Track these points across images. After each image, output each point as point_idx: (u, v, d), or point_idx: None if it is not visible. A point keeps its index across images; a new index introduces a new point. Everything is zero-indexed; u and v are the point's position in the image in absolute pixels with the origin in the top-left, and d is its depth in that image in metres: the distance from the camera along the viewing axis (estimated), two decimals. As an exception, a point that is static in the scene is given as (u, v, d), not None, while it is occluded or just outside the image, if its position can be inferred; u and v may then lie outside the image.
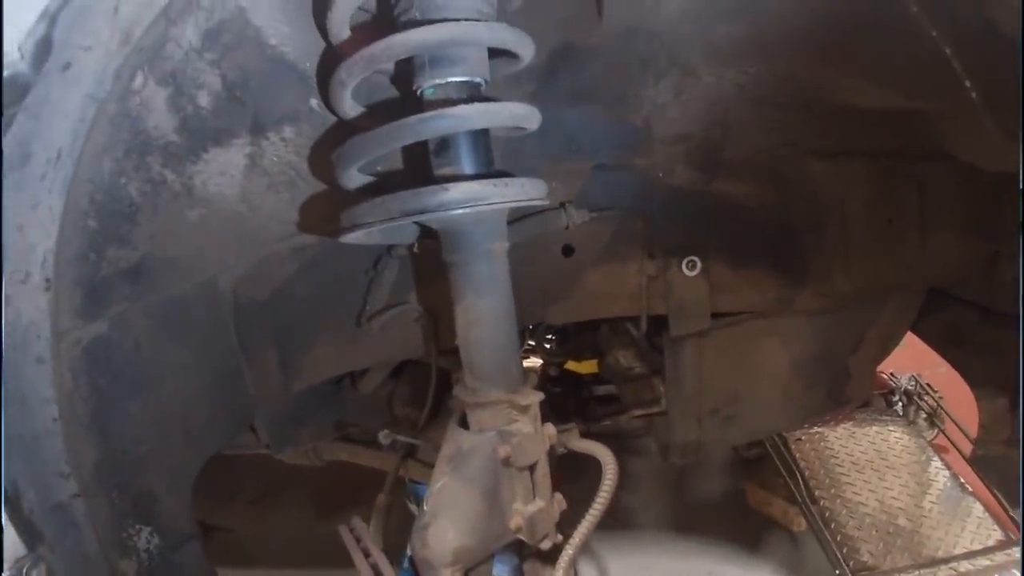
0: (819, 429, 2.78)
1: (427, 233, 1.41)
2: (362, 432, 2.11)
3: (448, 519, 1.31)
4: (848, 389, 2.08)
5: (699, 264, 1.71)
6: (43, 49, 0.97)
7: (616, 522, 2.55)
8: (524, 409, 1.31)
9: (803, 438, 2.74)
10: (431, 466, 2.01)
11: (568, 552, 1.25)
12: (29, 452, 1.08)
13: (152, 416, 1.28)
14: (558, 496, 1.41)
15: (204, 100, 1.19)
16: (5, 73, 0.92)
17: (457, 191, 1.15)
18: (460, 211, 1.16)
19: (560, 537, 1.41)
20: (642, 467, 3.02)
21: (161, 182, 1.22)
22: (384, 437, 1.80)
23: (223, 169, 1.29)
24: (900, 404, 3.02)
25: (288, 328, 1.65)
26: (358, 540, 1.31)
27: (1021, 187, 1.15)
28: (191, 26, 1.10)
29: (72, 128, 1.03)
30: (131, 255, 1.21)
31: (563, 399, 2.56)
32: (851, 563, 2.23)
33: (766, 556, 2.59)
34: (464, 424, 1.38)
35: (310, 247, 1.56)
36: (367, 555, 1.28)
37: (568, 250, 1.69)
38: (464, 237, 1.28)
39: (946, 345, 2.12)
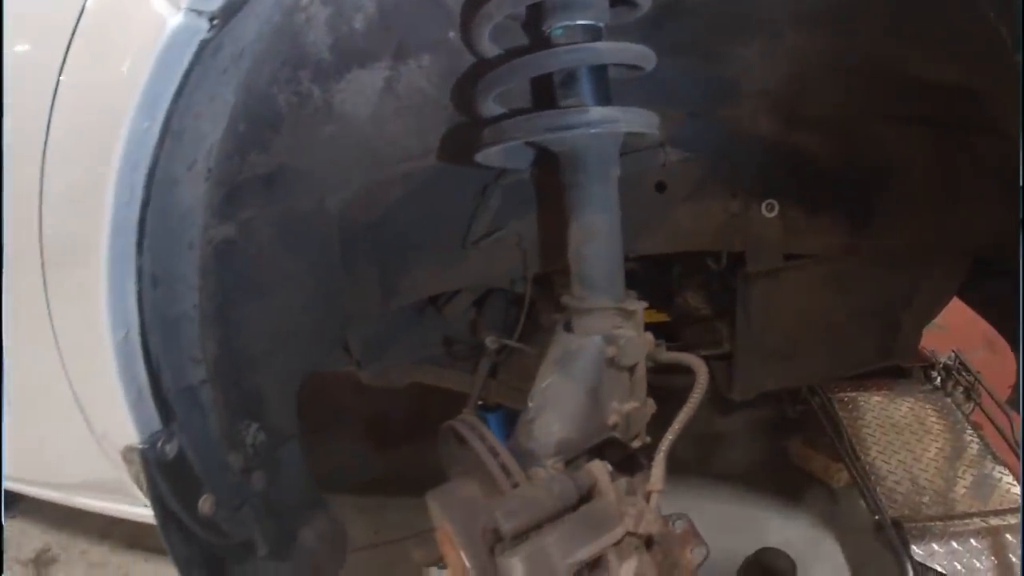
0: (860, 393, 2.91)
1: (538, 160, 1.57)
2: (445, 358, 2.25)
3: (554, 413, 1.46)
4: (897, 344, 2.21)
5: (777, 207, 1.85)
6: None
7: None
8: (630, 314, 1.47)
9: (845, 399, 2.87)
10: (514, 388, 2.18)
11: (667, 439, 1.39)
12: (170, 334, 1.14)
13: (267, 320, 1.37)
14: (650, 400, 1.56)
15: (359, 23, 1.29)
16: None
17: (595, 113, 1.31)
18: (594, 130, 1.31)
19: (649, 439, 1.56)
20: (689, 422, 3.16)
21: (307, 96, 1.32)
22: (491, 342, 1.92)
23: (361, 89, 1.40)
24: (939, 378, 3.13)
25: (390, 250, 1.74)
26: (473, 428, 1.44)
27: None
28: None
29: (257, 30, 1.10)
30: (268, 163, 1.30)
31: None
32: (889, 512, 2.36)
33: (806, 508, 2.73)
34: (570, 331, 1.53)
35: (420, 174, 1.66)
36: (484, 440, 1.41)
37: (661, 186, 1.84)
38: (585, 160, 1.41)
39: (987, 309, 2.25)
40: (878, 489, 2.47)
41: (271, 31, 1.14)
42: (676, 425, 1.38)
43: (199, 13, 0.97)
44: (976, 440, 2.76)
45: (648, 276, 2.27)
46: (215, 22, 0.98)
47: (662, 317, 2.44)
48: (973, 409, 3.00)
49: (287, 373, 1.47)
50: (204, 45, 0.99)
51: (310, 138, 1.38)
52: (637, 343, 1.47)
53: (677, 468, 2.84)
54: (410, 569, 2.67)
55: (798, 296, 1.99)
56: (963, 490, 2.51)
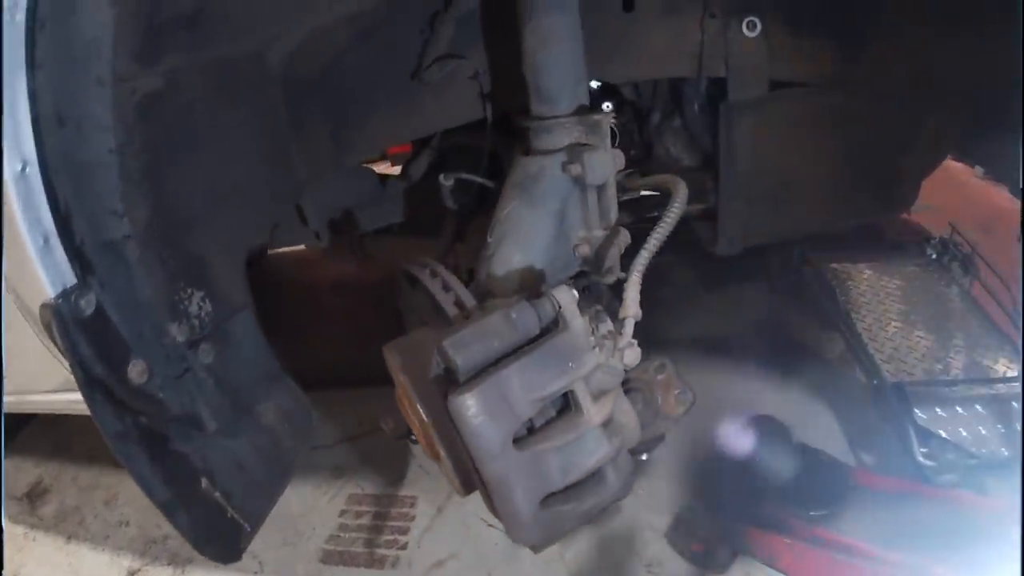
0: (853, 265, 2.78)
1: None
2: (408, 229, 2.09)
3: (514, 243, 1.30)
4: (895, 193, 2.05)
5: (759, 25, 1.66)
6: None
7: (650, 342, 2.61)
8: (595, 125, 1.29)
9: (838, 270, 2.74)
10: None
11: (641, 256, 1.23)
12: (81, 179, 1.05)
13: (203, 179, 1.28)
14: (624, 230, 1.39)
15: None
16: None
17: None
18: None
19: (623, 274, 1.39)
20: (676, 295, 3.08)
21: None
22: (445, 178, 1.72)
23: None
24: (934, 253, 3.00)
25: (340, 101, 1.63)
26: (433, 275, 1.29)
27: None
28: None
29: None
30: (188, 1, 1.17)
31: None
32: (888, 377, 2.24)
33: (798, 378, 2.61)
34: (529, 153, 1.36)
35: (363, 16, 1.53)
36: (446, 289, 1.26)
37: (629, 4, 1.64)
38: None
39: (992, 165, 2.12)
40: (876, 356, 2.35)
41: None
42: (651, 243, 1.22)
43: None
44: (976, 310, 2.63)
45: (625, 127, 2.07)
46: None
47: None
48: (971, 283, 2.89)
49: (232, 238, 1.37)
50: None
51: None
52: (605, 157, 1.30)
53: (664, 340, 2.77)
54: (393, 454, 2.58)
55: (788, 133, 1.81)
56: (965, 358, 2.40)
